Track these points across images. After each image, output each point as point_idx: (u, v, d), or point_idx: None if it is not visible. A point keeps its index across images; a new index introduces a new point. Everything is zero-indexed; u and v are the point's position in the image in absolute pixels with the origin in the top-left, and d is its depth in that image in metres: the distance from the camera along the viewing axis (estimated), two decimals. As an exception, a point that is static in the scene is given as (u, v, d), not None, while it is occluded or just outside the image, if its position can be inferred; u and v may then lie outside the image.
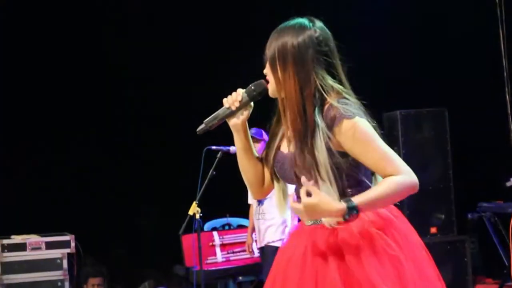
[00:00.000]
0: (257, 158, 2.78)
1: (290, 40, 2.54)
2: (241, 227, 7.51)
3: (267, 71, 2.62)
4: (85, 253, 6.81)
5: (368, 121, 2.52)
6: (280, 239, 5.91)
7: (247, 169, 2.76)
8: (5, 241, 6.43)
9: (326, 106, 2.51)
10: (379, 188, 2.44)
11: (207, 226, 7.62)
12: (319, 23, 2.61)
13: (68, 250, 6.50)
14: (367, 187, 2.55)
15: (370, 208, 2.45)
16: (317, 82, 2.53)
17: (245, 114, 2.69)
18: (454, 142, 6.67)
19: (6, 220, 6.98)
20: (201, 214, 5.36)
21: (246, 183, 2.81)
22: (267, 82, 2.63)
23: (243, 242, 6.93)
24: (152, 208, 8.39)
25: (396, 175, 2.45)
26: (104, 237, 7.79)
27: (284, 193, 2.74)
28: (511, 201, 6.25)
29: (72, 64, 8.09)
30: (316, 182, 2.48)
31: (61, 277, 6.45)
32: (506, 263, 6.38)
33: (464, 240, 6.56)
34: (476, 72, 7.84)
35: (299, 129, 2.53)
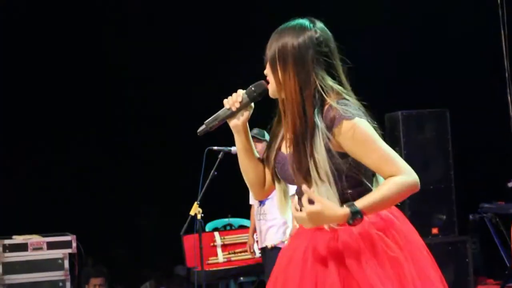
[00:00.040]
0: (258, 159, 2.77)
1: (291, 40, 2.54)
2: (242, 227, 7.51)
3: (267, 71, 2.62)
4: (86, 253, 6.81)
5: (369, 121, 2.51)
6: (281, 240, 5.92)
7: (248, 170, 2.76)
8: (7, 241, 6.44)
9: (325, 107, 2.51)
10: (381, 190, 2.44)
11: (209, 226, 7.61)
12: (319, 24, 2.60)
13: (69, 251, 6.50)
14: (368, 188, 2.54)
15: (374, 211, 2.45)
16: (317, 82, 2.52)
17: (245, 115, 2.68)
18: (455, 142, 6.67)
19: (6, 220, 6.98)
20: (202, 215, 5.36)
21: (247, 184, 2.81)
22: (268, 82, 2.63)
23: (245, 243, 6.93)
24: (153, 208, 8.39)
25: (397, 175, 2.44)
26: (105, 237, 7.79)
27: (285, 194, 2.74)
28: (513, 201, 6.26)
29: (72, 64, 8.09)
30: (315, 183, 2.48)
31: (63, 277, 6.45)
32: (508, 264, 6.40)
33: (466, 241, 6.55)
34: (478, 72, 7.84)
35: (298, 130, 2.52)
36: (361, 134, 2.46)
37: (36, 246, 6.46)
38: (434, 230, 6.51)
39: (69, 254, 6.51)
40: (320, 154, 2.48)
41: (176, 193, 7.76)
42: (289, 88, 2.53)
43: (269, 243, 5.99)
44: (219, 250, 7.19)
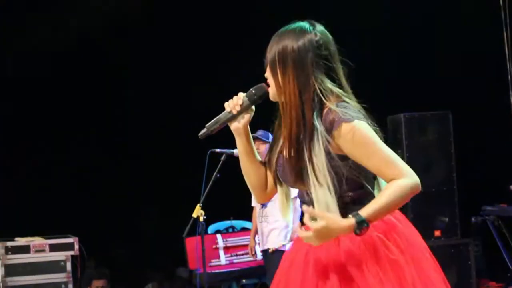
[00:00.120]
0: (260, 161, 2.77)
1: (290, 43, 2.54)
2: (244, 229, 7.51)
3: (267, 74, 2.62)
4: (88, 255, 6.81)
5: (369, 124, 2.51)
6: (282, 243, 5.91)
7: (249, 173, 2.76)
8: (9, 243, 6.44)
9: (325, 110, 2.51)
10: (384, 196, 2.43)
11: (211, 228, 7.62)
12: (319, 27, 2.60)
13: (71, 253, 6.51)
14: (368, 191, 2.55)
15: (379, 217, 2.44)
16: (316, 86, 2.52)
17: (246, 117, 2.68)
18: (458, 145, 6.67)
19: (7, 222, 6.98)
20: (205, 217, 5.36)
21: (249, 187, 2.80)
22: (268, 85, 2.63)
23: (247, 245, 6.93)
24: (154, 209, 8.39)
25: (398, 177, 2.44)
26: (106, 238, 7.79)
27: (287, 197, 2.73)
28: (515, 204, 6.25)
29: (72, 64, 8.09)
30: (314, 186, 2.48)
31: (65, 279, 6.46)
32: (510, 266, 6.38)
33: (468, 243, 6.55)
34: (480, 74, 7.83)
35: (297, 133, 2.53)
36: (360, 137, 2.46)
37: (39, 248, 6.47)
38: (437, 233, 6.51)
39: (72, 256, 6.52)
40: (319, 157, 2.48)
41: (177, 194, 7.77)
42: (288, 91, 2.53)
43: (271, 245, 5.99)
44: (221, 252, 7.20)
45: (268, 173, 2.75)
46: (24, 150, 8.00)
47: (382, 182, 2.55)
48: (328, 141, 2.48)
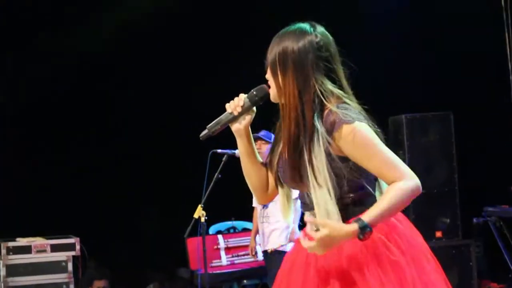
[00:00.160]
0: (261, 163, 2.77)
1: (291, 45, 2.54)
2: (246, 230, 7.51)
3: (268, 76, 2.62)
4: (89, 255, 6.82)
5: (369, 125, 2.51)
6: (280, 244, 5.91)
7: (250, 174, 2.76)
8: (11, 244, 6.46)
9: (325, 112, 2.51)
10: (386, 199, 2.43)
11: (212, 229, 7.63)
12: (320, 28, 2.60)
13: (73, 253, 6.52)
14: (369, 192, 2.54)
15: (381, 221, 2.43)
16: (317, 87, 2.52)
17: (247, 119, 2.68)
18: (459, 145, 6.67)
19: (7, 222, 6.98)
20: (206, 218, 5.36)
21: (250, 188, 2.80)
22: (269, 87, 2.63)
23: (248, 246, 6.93)
24: (154, 210, 8.38)
25: (399, 179, 2.44)
26: (106, 238, 7.78)
27: (289, 198, 2.73)
28: (517, 205, 6.23)
29: (72, 64, 8.09)
30: (313, 188, 2.47)
31: (66, 280, 6.47)
32: (511, 267, 6.36)
33: (469, 244, 6.55)
34: (482, 76, 7.83)
35: (296, 134, 2.53)
36: (361, 138, 2.46)
37: (40, 248, 6.48)
38: (438, 234, 6.51)
39: (73, 256, 6.53)
40: (319, 159, 2.48)
41: (178, 194, 7.77)
42: (289, 92, 2.53)
43: (271, 246, 5.98)
44: (222, 253, 7.20)
45: (269, 174, 2.75)
46: (24, 150, 8.00)
47: (383, 183, 2.55)
48: (328, 143, 2.48)
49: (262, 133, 6.02)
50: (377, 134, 2.51)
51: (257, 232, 6.43)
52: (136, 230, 8.22)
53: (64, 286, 6.45)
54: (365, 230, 2.36)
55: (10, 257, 6.39)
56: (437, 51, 8.15)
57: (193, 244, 6.68)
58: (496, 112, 7.31)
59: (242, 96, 2.65)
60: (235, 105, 2.65)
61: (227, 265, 7.12)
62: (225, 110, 2.67)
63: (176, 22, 8.25)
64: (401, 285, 2.44)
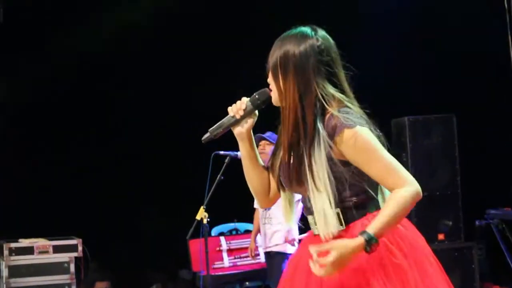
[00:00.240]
0: (263, 166, 2.76)
1: (292, 48, 2.54)
2: (248, 232, 7.51)
3: (270, 79, 2.62)
4: (91, 256, 6.82)
5: (371, 129, 2.51)
6: (280, 243, 5.91)
7: (252, 178, 2.75)
8: (13, 245, 6.46)
9: (327, 116, 2.51)
10: (389, 208, 2.42)
11: (214, 231, 7.63)
12: (321, 32, 2.60)
13: (75, 254, 6.53)
14: (370, 196, 2.54)
15: (386, 231, 2.43)
16: (318, 91, 2.52)
17: (249, 122, 2.68)
18: (462, 148, 6.66)
19: (11, 223, 6.99)
20: (208, 219, 5.36)
21: (252, 191, 2.80)
22: (271, 90, 2.63)
23: (251, 247, 6.94)
24: (155, 210, 8.38)
25: (399, 186, 2.44)
26: (107, 239, 7.79)
27: (291, 202, 2.73)
28: (519, 208, 6.23)
29: (71, 63, 8.09)
30: (312, 192, 2.47)
31: (68, 281, 6.48)
32: (514, 270, 6.36)
33: (472, 247, 6.55)
34: (485, 78, 7.82)
35: (297, 138, 2.53)
36: (362, 143, 2.45)
37: (42, 249, 6.49)
38: (441, 236, 6.50)
39: (75, 257, 6.53)
40: (319, 163, 2.47)
41: (179, 195, 7.77)
42: (289, 96, 2.53)
43: (273, 248, 5.99)
44: (224, 254, 7.20)
45: (271, 178, 2.75)
46: (24, 150, 8.01)
47: (385, 189, 2.55)
48: (330, 147, 2.47)
49: (267, 134, 6.02)
50: (379, 139, 2.51)
51: (257, 233, 6.43)
52: (137, 231, 8.22)
53: (66, 287, 6.46)
54: (371, 242, 2.36)
55: (12, 258, 6.40)
56: (438, 51, 8.14)
57: (195, 246, 6.68)
58: (500, 114, 7.30)
59: (244, 100, 2.65)
60: (237, 108, 2.65)
61: (229, 266, 7.12)
62: (225, 110, 2.67)
63: (176, 22, 8.25)
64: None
